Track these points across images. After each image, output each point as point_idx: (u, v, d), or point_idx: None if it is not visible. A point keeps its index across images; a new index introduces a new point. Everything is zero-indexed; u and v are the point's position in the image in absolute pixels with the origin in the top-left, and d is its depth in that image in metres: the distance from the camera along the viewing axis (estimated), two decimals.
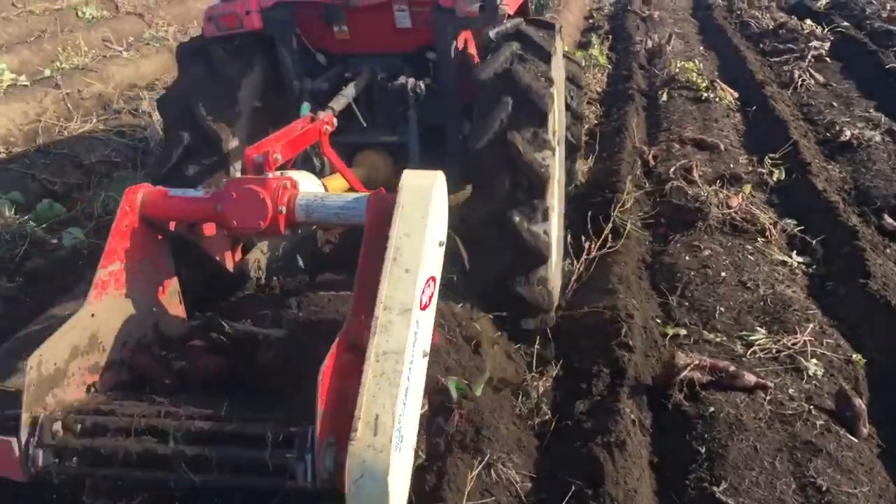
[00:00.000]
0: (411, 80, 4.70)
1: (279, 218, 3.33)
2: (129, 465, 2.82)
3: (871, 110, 8.85)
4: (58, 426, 2.87)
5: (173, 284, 3.64)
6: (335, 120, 4.20)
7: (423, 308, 2.99)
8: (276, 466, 2.73)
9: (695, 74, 9.78)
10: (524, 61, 4.43)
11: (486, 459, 3.65)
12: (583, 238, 5.59)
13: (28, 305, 5.37)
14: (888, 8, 13.27)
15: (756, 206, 6.43)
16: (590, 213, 5.89)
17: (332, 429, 2.69)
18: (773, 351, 4.60)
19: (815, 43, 11.36)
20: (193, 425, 2.84)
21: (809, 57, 10.80)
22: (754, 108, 9.03)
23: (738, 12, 14.30)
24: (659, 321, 5.09)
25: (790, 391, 4.27)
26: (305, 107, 4.26)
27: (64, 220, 6.39)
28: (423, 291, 2.95)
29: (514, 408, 4.20)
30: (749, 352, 4.60)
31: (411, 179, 3.20)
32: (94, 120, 8.15)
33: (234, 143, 4.42)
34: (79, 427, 2.89)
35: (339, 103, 4.34)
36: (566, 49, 7.28)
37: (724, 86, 9.52)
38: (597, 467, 3.66)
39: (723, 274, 5.48)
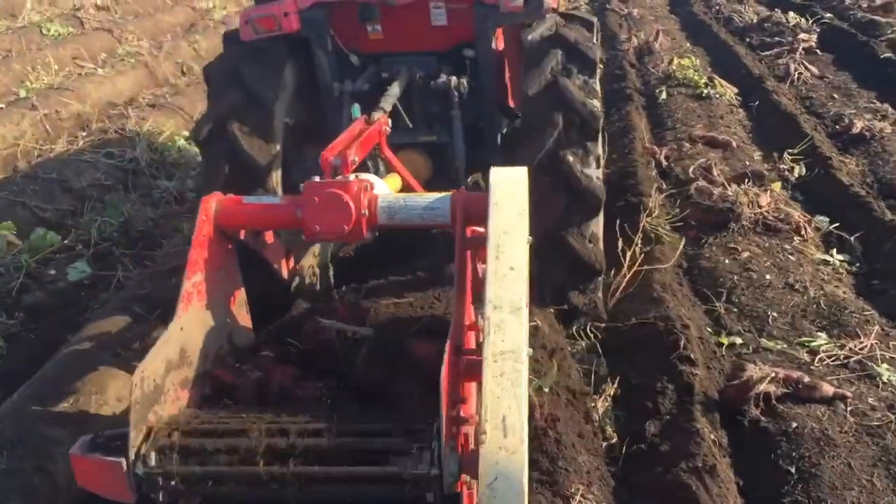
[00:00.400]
0: (454, 79, 4.66)
1: (362, 221, 3.27)
2: (250, 485, 2.73)
3: (874, 101, 8.72)
4: (167, 444, 2.76)
5: (242, 294, 3.57)
6: (389, 121, 4.15)
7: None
8: (405, 478, 2.64)
9: (692, 71, 9.60)
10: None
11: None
12: (619, 245, 5.32)
13: (33, 343, 4.98)
14: None
15: (786, 203, 6.23)
16: (618, 221, 5.63)
17: (450, 433, 2.65)
18: (841, 357, 4.38)
19: (802, 35, 11.24)
20: (315, 443, 2.73)
21: (800, 50, 10.67)
22: (757, 103, 8.86)
23: (717, 7, 14.20)
24: (710, 330, 4.85)
25: (870, 400, 4.05)
26: (356, 108, 4.10)
27: (59, 249, 5.98)
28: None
29: (582, 429, 3.93)
30: (816, 359, 4.37)
31: (501, 176, 3.14)
32: (81, 142, 7.73)
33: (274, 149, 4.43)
34: (190, 445, 2.76)
35: (388, 103, 4.23)
36: None
37: (722, 82, 9.34)
38: (689, 496, 3.40)
39: (767, 276, 5.25)
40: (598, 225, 4.63)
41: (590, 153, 4.39)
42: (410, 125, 4.77)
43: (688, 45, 11.80)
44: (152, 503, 2.74)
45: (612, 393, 4.32)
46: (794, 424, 3.83)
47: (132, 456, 2.69)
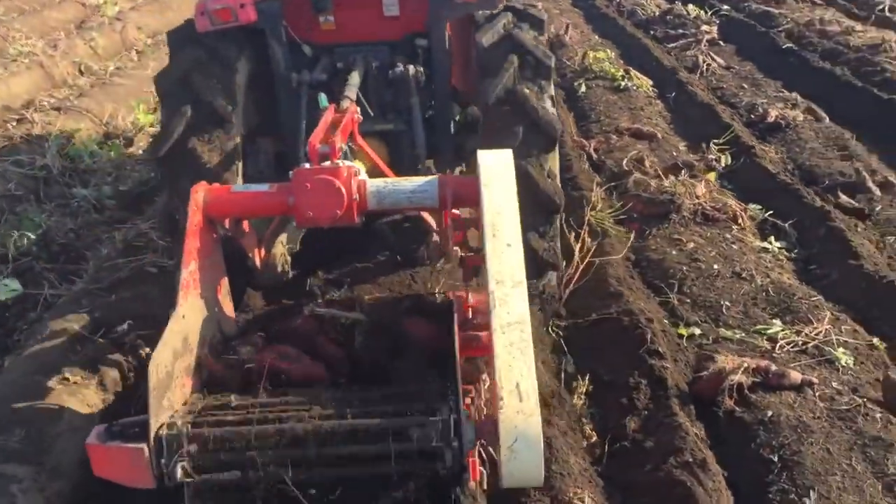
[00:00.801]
0: (412, 68, 4.74)
1: (353, 205, 3.35)
2: (269, 466, 2.76)
3: (782, 90, 9.05)
4: (188, 431, 2.77)
5: (226, 283, 3.60)
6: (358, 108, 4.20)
7: None
8: (424, 453, 2.76)
9: (607, 64, 9.73)
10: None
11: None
12: (570, 238, 5.30)
13: None
14: None
15: (720, 193, 6.38)
16: (562, 215, 5.62)
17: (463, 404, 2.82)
18: (800, 343, 4.49)
19: (704, 27, 11.60)
20: (334, 425, 2.79)
21: (704, 41, 11.01)
22: (674, 94, 9.07)
23: (619, 0, 14.46)
24: (667, 322, 4.90)
25: (834, 384, 4.17)
26: (323, 98, 4.15)
27: None
28: None
29: (566, 430, 3.90)
30: (776, 347, 4.47)
31: (488, 158, 3.28)
32: None
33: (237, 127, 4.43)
34: (211, 432, 2.78)
35: (352, 92, 4.27)
36: None
37: (638, 74, 9.51)
38: (685, 492, 3.41)
39: (715, 266, 5.36)
40: (554, 161, 4.71)
41: (544, 91, 4.51)
42: (371, 114, 4.78)
43: (596, 37, 11.96)
44: (173, 489, 2.76)
45: (584, 391, 4.31)
46: (770, 413, 3.91)
47: (153, 442, 2.72)
